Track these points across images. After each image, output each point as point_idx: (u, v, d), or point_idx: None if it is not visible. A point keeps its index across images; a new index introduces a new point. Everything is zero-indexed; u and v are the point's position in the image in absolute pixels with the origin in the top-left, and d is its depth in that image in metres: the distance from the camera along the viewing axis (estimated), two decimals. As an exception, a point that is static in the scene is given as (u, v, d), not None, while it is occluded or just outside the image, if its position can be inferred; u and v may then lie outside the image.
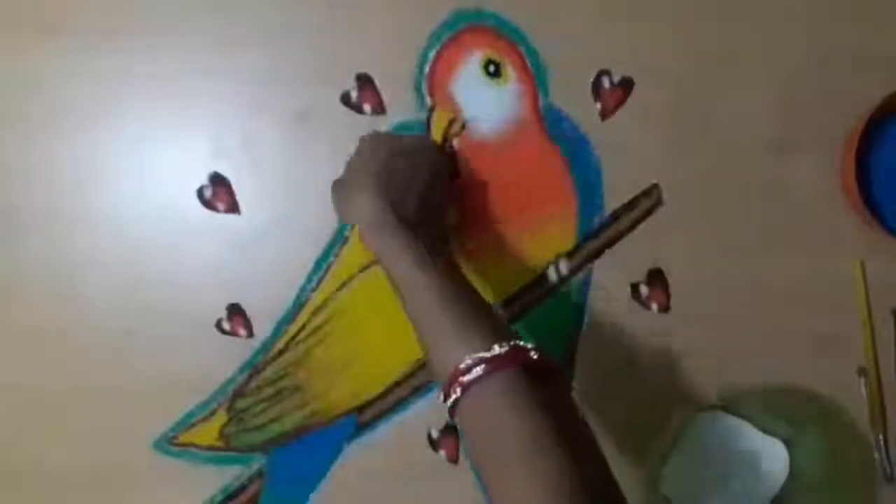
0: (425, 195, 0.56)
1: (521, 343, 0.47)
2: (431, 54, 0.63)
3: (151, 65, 0.63)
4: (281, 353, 0.63)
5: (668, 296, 0.63)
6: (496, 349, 0.46)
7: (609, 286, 0.63)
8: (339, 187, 0.57)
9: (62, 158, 0.63)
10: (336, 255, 0.63)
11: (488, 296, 0.63)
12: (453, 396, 0.46)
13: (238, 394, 0.63)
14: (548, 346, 0.63)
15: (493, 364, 0.45)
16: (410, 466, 0.63)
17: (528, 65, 0.63)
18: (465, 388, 0.45)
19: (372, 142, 0.58)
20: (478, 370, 0.45)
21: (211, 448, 0.63)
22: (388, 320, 0.63)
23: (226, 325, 0.63)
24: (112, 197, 0.63)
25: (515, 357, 0.46)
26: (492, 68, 0.63)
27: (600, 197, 0.63)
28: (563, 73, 0.63)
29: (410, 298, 0.51)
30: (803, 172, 0.63)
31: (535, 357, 0.46)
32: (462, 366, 0.46)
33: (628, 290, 0.64)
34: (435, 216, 0.58)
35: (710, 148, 0.63)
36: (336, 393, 0.64)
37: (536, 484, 0.41)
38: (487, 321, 0.49)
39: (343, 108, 0.63)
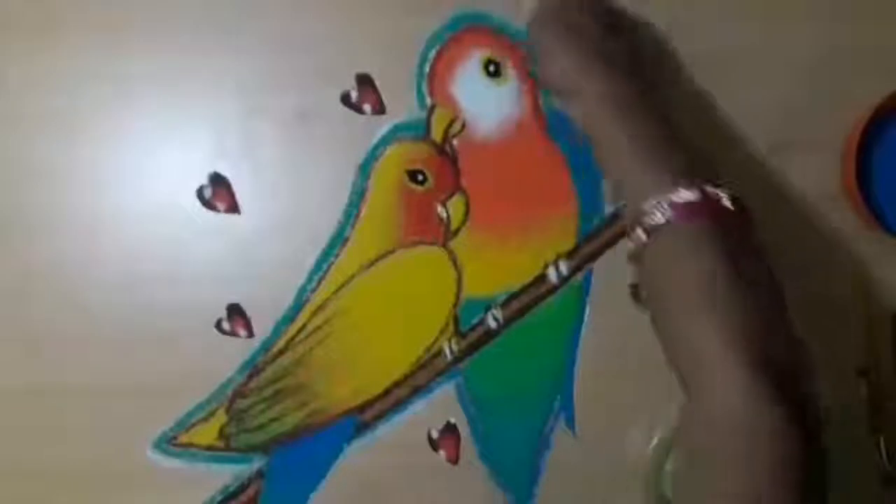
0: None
1: (715, 190, 0.45)
2: (431, 54, 0.63)
3: (151, 65, 0.63)
4: (281, 353, 0.63)
5: (668, 296, 0.63)
6: (687, 194, 0.45)
7: (609, 286, 0.63)
8: (546, 46, 0.56)
9: (63, 158, 0.63)
10: (336, 255, 0.63)
11: (488, 294, 0.63)
12: (639, 235, 0.45)
13: (238, 394, 0.63)
14: (548, 347, 0.64)
15: (685, 211, 0.44)
16: (410, 466, 0.63)
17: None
18: (651, 231, 0.45)
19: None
20: (667, 214, 0.44)
21: (211, 448, 0.63)
22: (388, 320, 0.63)
23: (226, 325, 0.63)
24: (112, 197, 0.63)
25: (709, 207, 0.45)
26: (492, 68, 0.63)
27: (600, 197, 0.63)
28: (563, 73, 0.63)
29: (603, 128, 0.50)
30: (803, 172, 0.63)
31: (730, 206, 0.45)
32: (648, 206, 0.45)
33: (628, 290, 0.64)
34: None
35: (710, 148, 0.63)
36: (336, 393, 0.64)
37: (719, 336, 0.41)
38: (681, 154, 0.48)
39: (343, 108, 0.63)
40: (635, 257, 0.47)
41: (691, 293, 0.43)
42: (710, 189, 0.45)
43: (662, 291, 0.45)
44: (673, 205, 0.44)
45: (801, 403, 0.40)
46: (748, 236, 0.46)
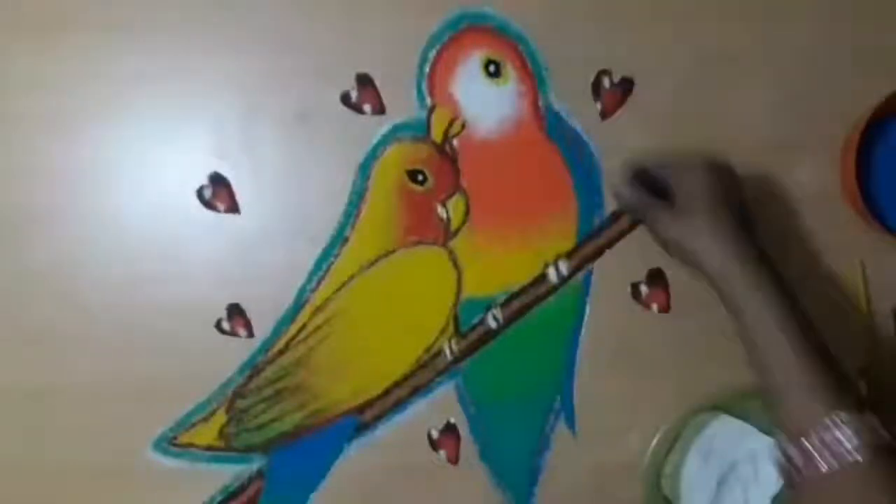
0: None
1: (881, 431, 0.45)
2: (431, 54, 0.63)
3: (152, 65, 0.63)
4: (281, 353, 0.63)
5: (668, 296, 0.63)
6: (854, 438, 0.44)
7: (609, 286, 0.63)
8: (678, 232, 0.55)
9: (63, 158, 0.63)
10: (336, 255, 0.63)
11: (488, 294, 0.63)
12: (802, 465, 0.45)
13: (238, 394, 0.63)
14: (548, 347, 0.64)
15: (858, 453, 0.44)
16: (410, 466, 0.63)
17: (528, 65, 0.63)
18: (819, 461, 0.44)
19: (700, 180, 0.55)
20: (840, 450, 0.44)
21: (211, 448, 0.63)
22: (388, 320, 0.63)
23: (226, 325, 0.63)
24: (112, 197, 0.63)
25: (883, 451, 0.44)
26: (492, 68, 0.63)
27: (600, 197, 0.63)
28: (563, 73, 0.63)
29: (768, 342, 0.50)
30: (803, 172, 0.63)
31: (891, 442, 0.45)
32: (817, 441, 0.45)
33: (628, 290, 0.64)
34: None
35: (710, 148, 0.63)
36: (336, 393, 0.64)
37: None
38: (842, 380, 0.48)
39: (343, 108, 0.63)
40: (786, 475, 0.47)
41: None
42: (879, 431, 0.45)
43: None
44: (856, 440, 0.44)
45: None
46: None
